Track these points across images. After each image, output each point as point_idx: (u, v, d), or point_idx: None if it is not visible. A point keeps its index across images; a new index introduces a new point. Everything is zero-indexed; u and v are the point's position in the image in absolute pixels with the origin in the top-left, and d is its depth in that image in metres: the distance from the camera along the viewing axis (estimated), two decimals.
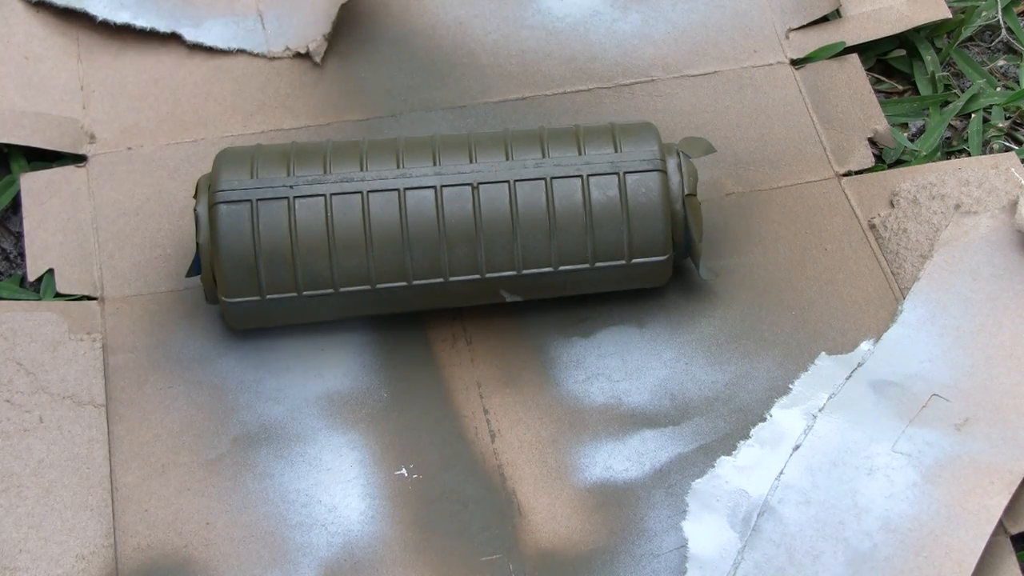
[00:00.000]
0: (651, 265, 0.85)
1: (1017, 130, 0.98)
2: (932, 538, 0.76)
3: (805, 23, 1.01)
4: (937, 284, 0.88)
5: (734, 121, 0.97)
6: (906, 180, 0.93)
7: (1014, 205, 0.90)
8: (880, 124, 0.96)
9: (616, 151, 0.85)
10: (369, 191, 0.83)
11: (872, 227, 0.91)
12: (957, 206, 0.91)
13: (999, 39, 1.03)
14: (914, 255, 0.89)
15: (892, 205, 0.92)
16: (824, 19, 1.01)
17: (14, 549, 0.79)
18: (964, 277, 0.88)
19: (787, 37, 1.01)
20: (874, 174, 0.94)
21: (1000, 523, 0.78)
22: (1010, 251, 0.88)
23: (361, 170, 0.84)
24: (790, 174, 0.95)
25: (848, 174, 0.95)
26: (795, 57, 1.00)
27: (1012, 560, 0.77)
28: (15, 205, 0.94)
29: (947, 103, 0.99)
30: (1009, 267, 0.88)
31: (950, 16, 1.00)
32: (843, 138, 0.96)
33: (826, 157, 0.95)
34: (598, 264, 0.85)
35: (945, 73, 1.01)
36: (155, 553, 0.79)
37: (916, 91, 1.00)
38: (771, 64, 1.00)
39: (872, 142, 0.96)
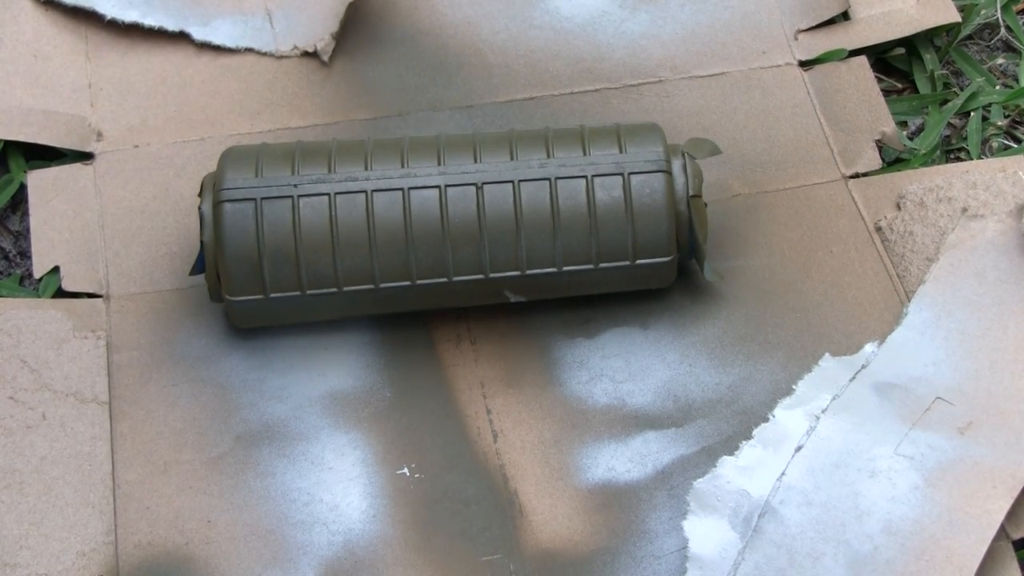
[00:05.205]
0: (655, 266, 0.85)
1: (1016, 128, 0.98)
2: (933, 542, 0.76)
3: (814, 24, 1.01)
4: (943, 287, 0.87)
5: (742, 122, 0.97)
6: (913, 183, 0.92)
7: (1021, 209, 0.89)
8: (888, 126, 0.95)
9: (621, 152, 0.85)
10: (373, 190, 0.83)
11: (878, 229, 0.91)
12: (964, 209, 0.90)
13: (998, 37, 1.03)
14: (920, 258, 0.89)
15: (899, 208, 0.92)
16: (832, 21, 1.01)
17: (15, 545, 0.79)
18: (970, 281, 0.87)
19: (796, 38, 1.01)
20: (881, 176, 0.94)
21: (1002, 528, 0.78)
22: (1016, 255, 0.88)
23: (365, 169, 0.84)
24: (797, 176, 0.94)
25: (855, 176, 0.94)
26: (804, 58, 1.00)
27: (1014, 565, 0.77)
28: (14, 204, 0.94)
29: (946, 101, 0.99)
30: (1015, 271, 0.87)
31: (960, 20, 1.00)
32: (850, 140, 0.96)
33: (833, 159, 0.95)
34: (602, 265, 0.85)
35: (944, 71, 1.00)
36: (156, 550, 0.79)
37: (915, 89, 1.00)
38: (779, 65, 1.00)
39: (879, 144, 0.95)
